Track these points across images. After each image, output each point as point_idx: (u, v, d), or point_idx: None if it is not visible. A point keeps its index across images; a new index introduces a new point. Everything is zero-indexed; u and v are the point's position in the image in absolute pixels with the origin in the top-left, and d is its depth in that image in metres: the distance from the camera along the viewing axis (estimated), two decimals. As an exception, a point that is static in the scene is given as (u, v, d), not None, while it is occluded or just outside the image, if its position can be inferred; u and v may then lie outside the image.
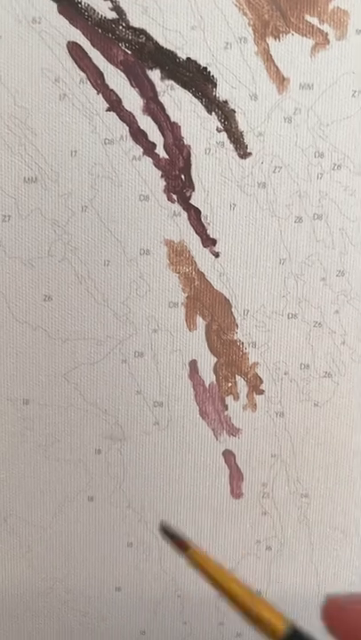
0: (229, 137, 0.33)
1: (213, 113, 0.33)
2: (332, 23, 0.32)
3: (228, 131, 0.33)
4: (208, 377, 0.37)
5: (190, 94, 0.33)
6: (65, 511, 0.38)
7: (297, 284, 0.36)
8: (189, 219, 0.34)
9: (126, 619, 0.40)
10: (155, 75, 0.32)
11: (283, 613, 0.21)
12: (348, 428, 0.38)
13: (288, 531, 0.39)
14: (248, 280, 0.35)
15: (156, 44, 0.32)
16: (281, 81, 0.33)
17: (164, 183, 0.34)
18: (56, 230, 0.34)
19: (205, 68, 0.32)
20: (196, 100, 0.33)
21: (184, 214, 0.34)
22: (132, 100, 0.33)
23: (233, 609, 0.22)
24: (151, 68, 0.32)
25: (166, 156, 0.33)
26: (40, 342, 0.35)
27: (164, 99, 0.33)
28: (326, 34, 0.32)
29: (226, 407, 0.37)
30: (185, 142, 0.33)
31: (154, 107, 0.33)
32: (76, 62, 0.32)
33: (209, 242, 0.35)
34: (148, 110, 0.33)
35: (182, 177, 0.34)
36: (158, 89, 0.33)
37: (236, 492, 0.38)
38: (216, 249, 0.35)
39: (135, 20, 0.32)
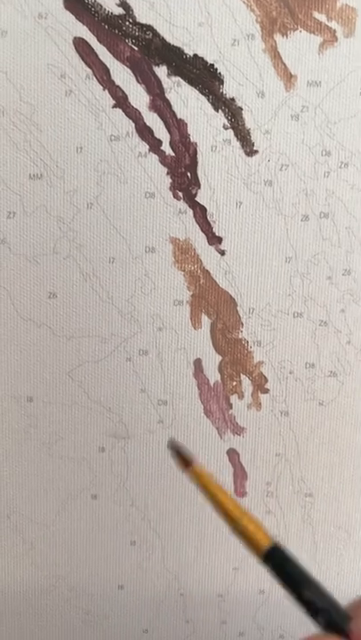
0: (236, 134, 0.33)
1: (220, 110, 0.33)
2: (341, 20, 0.32)
3: (235, 128, 0.33)
4: (213, 375, 0.36)
5: (197, 91, 0.33)
6: (68, 509, 0.38)
7: (303, 283, 0.35)
8: (195, 216, 0.34)
9: (129, 617, 0.40)
10: (161, 71, 0.32)
11: (269, 533, 0.23)
12: (353, 428, 0.38)
13: (292, 530, 0.39)
14: (254, 278, 0.35)
15: (163, 40, 0.32)
16: (288, 78, 0.33)
17: (170, 180, 0.34)
18: (61, 227, 0.34)
19: (212, 65, 0.32)
20: (202, 97, 0.33)
21: (190, 212, 0.34)
22: (139, 97, 0.32)
23: (226, 524, 0.23)
24: (158, 65, 0.32)
25: (172, 154, 0.33)
26: (44, 340, 0.35)
27: (170, 95, 0.32)
28: (334, 31, 0.32)
29: (230, 406, 0.37)
30: (191, 139, 0.33)
31: (160, 103, 0.33)
32: (83, 58, 0.32)
33: (215, 240, 0.35)
34: (154, 107, 0.33)
35: (188, 174, 0.34)
36: (165, 85, 0.32)
37: (240, 491, 0.38)
38: (222, 247, 0.35)
39: (142, 16, 0.31)
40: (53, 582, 0.39)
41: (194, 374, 0.36)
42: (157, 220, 0.34)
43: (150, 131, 0.33)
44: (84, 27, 0.31)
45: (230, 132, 0.33)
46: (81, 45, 0.32)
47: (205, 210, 0.34)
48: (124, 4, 0.31)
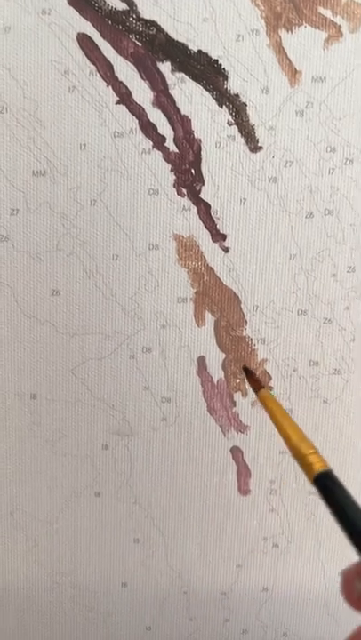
0: (240, 131, 0.33)
1: (224, 106, 0.33)
2: (346, 15, 0.32)
3: (239, 124, 0.33)
4: (216, 373, 0.36)
5: (201, 87, 0.32)
6: (72, 506, 0.38)
7: (307, 280, 0.35)
8: (199, 213, 0.34)
9: (132, 614, 0.40)
10: (165, 67, 0.32)
11: (324, 460, 0.25)
12: (357, 426, 0.38)
13: (295, 528, 0.39)
14: (258, 276, 0.35)
15: (167, 35, 0.32)
16: (293, 74, 0.32)
17: (174, 177, 0.33)
18: (65, 224, 0.34)
19: (217, 61, 0.32)
20: (206, 93, 0.32)
21: (194, 209, 0.34)
22: (142, 93, 0.32)
23: (287, 447, 0.27)
24: (162, 61, 0.32)
25: (176, 150, 0.33)
26: (48, 337, 0.35)
27: (174, 91, 0.32)
28: (340, 26, 0.32)
29: (234, 403, 0.37)
30: (195, 136, 0.33)
31: (164, 100, 0.32)
32: (86, 54, 0.32)
33: (218, 237, 0.34)
34: (158, 103, 0.32)
35: (192, 171, 0.33)
36: (169, 81, 0.32)
37: (243, 489, 0.38)
38: (226, 244, 0.35)
39: (146, 12, 0.31)
40: (57, 580, 0.39)
41: (197, 372, 0.36)
42: (161, 217, 0.34)
43: (154, 127, 0.33)
44: (88, 22, 0.31)
45: (234, 129, 0.33)
46: (84, 41, 0.31)
47: (209, 206, 0.34)
48: (127, 0, 0.31)
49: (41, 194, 0.33)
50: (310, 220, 0.34)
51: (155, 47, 0.32)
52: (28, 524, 0.38)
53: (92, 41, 0.31)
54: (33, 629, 0.40)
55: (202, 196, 0.34)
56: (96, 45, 0.32)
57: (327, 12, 0.32)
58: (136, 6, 0.31)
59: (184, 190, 0.34)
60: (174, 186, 0.34)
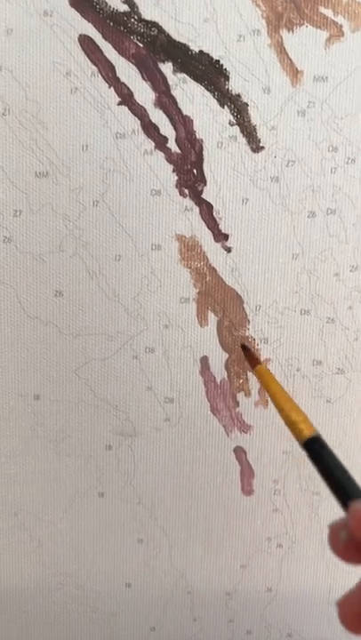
0: (242, 131, 0.33)
1: (226, 106, 0.33)
2: (347, 15, 0.32)
3: (241, 124, 0.33)
4: (219, 373, 0.36)
5: (202, 87, 0.32)
6: (75, 507, 0.38)
7: (310, 280, 0.35)
8: (201, 213, 0.34)
9: (136, 615, 0.40)
10: (167, 68, 0.32)
11: (313, 426, 0.28)
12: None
13: (299, 528, 0.39)
14: (260, 275, 0.35)
15: (169, 36, 0.32)
16: (295, 74, 0.32)
17: (176, 177, 0.33)
18: (67, 225, 0.34)
19: (218, 61, 0.32)
20: (208, 94, 0.33)
21: (196, 209, 0.34)
22: (144, 94, 0.32)
23: (280, 416, 0.30)
24: (163, 61, 0.32)
25: (178, 151, 0.33)
26: (51, 338, 0.35)
27: (176, 92, 0.32)
28: (341, 26, 0.32)
29: (237, 404, 0.37)
30: (197, 136, 0.33)
31: (166, 100, 0.32)
32: (88, 55, 0.32)
33: (221, 237, 0.35)
34: (159, 104, 0.32)
35: (194, 171, 0.33)
36: (170, 82, 0.32)
37: (247, 489, 0.38)
38: (228, 244, 0.35)
39: (147, 13, 0.31)
40: (60, 580, 0.39)
41: (200, 372, 0.36)
42: (163, 218, 0.34)
43: (156, 128, 0.33)
44: (90, 24, 0.31)
45: (236, 129, 0.33)
46: (86, 43, 0.32)
47: (212, 207, 0.34)
48: (128, 1, 0.31)
49: (43, 195, 0.33)
50: (313, 220, 0.34)
51: (156, 48, 0.32)
52: (32, 524, 0.38)
53: (94, 42, 0.32)
54: (37, 630, 0.40)
55: (204, 196, 0.34)
56: (98, 47, 0.32)
57: (328, 12, 0.32)
58: (137, 7, 0.31)
59: (186, 191, 0.34)
60: (176, 186, 0.34)
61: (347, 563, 0.23)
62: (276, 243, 0.35)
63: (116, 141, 0.33)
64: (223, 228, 0.34)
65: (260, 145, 0.33)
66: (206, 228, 0.34)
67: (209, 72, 0.32)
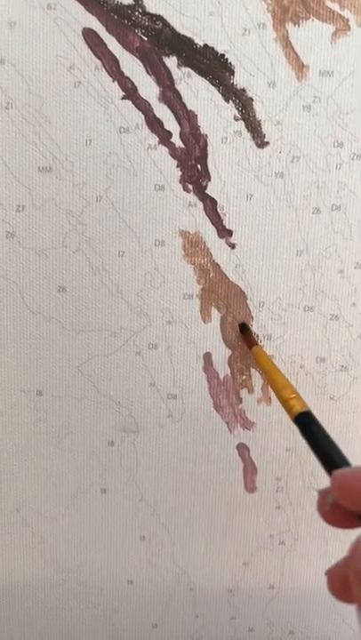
0: (247, 126, 0.33)
1: (231, 101, 0.32)
2: (353, 9, 0.32)
3: (246, 119, 0.33)
4: (222, 370, 0.36)
5: (207, 82, 0.32)
6: (78, 503, 0.38)
7: (314, 277, 0.35)
8: (205, 209, 0.34)
9: (138, 611, 0.40)
10: (171, 62, 0.32)
11: (305, 403, 0.29)
12: (364, 423, 0.38)
13: (302, 525, 0.39)
14: (264, 272, 0.35)
15: (173, 30, 0.31)
16: (300, 68, 0.32)
17: (180, 173, 0.33)
18: (70, 220, 0.33)
19: (223, 55, 0.32)
20: (213, 88, 0.32)
21: (200, 205, 0.34)
22: (148, 88, 0.32)
23: (274, 393, 0.32)
24: (168, 55, 0.32)
25: (182, 146, 0.33)
26: (54, 333, 0.35)
27: (180, 86, 0.32)
28: (347, 20, 0.32)
29: (240, 400, 0.37)
30: (201, 131, 0.33)
31: (170, 95, 0.32)
32: (92, 49, 0.31)
33: (225, 233, 0.34)
34: (164, 98, 0.32)
35: (198, 166, 0.33)
36: (175, 76, 0.32)
37: (249, 486, 0.38)
38: (232, 240, 0.34)
39: (152, 6, 0.31)
40: (63, 576, 0.39)
41: (203, 368, 0.36)
42: (167, 213, 0.34)
43: (160, 122, 0.33)
44: (94, 17, 0.31)
45: (241, 124, 0.33)
46: (90, 36, 0.31)
47: (216, 202, 0.34)
48: (133, -6, 0.31)
49: (47, 190, 0.33)
50: (317, 216, 0.34)
51: (161, 42, 0.32)
52: (35, 520, 0.38)
53: (98, 36, 0.31)
54: (39, 626, 0.40)
55: (208, 191, 0.34)
56: (101, 40, 0.31)
57: (335, 6, 0.32)
58: (142, 0, 0.31)
59: (190, 186, 0.33)
60: (180, 182, 0.33)
61: (332, 526, 0.24)
62: (280, 239, 0.34)
63: (120, 136, 0.33)
64: (227, 223, 0.34)
65: (265, 140, 0.33)
66: (210, 224, 0.34)
67: (214, 66, 0.32)
